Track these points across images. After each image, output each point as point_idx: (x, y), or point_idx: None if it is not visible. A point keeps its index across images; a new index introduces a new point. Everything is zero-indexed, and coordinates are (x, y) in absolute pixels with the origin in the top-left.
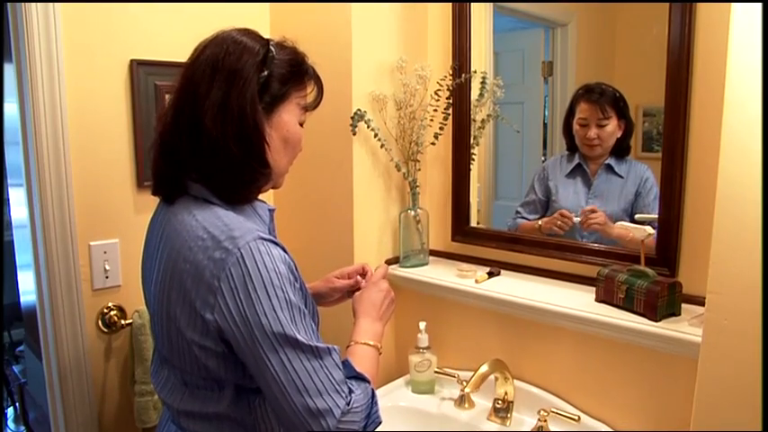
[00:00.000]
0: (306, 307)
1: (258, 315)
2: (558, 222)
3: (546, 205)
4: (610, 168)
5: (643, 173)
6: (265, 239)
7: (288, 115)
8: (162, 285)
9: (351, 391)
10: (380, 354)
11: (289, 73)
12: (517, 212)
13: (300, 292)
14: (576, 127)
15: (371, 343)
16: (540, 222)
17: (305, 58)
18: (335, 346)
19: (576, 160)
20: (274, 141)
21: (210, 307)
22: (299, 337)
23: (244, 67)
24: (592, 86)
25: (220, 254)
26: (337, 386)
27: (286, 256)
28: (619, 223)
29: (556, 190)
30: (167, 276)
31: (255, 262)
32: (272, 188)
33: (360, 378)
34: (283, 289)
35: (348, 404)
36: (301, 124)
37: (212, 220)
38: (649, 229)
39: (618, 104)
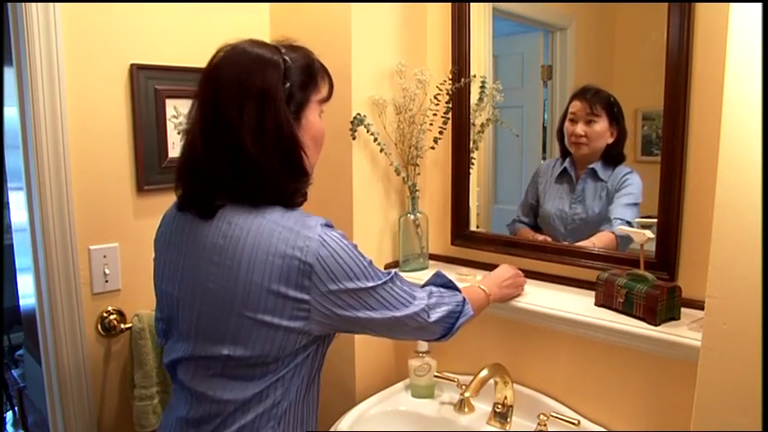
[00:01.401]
0: None
1: (355, 280)
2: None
3: (536, 209)
4: (594, 173)
5: (622, 174)
6: (329, 223)
7: (312, 115)
8: (226, 287)
9: (431, 293)
10: (488, 304)
11: (306, 78)
12: (516, 216)
13: None
14: (566, 125)
15: (484, 288)
16: (530, 237)
17: (314, 57)
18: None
19: (564, 165)
20: (307, 143)
21: (307, 289)
22: (384, 278)
23: (271, 85)
24: (588, 87)
25: (304, 241)
26: (414, 290)
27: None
28: (618, 227)
29: (543, 195)
30: (239, 277)
31: (335, 241)
32: None
33: (448, 286)
34: (360, 254)
35: (429, 295)
36: (319, 115)
37: (278, 217)
38: (649, 233)
39: (611, 108)
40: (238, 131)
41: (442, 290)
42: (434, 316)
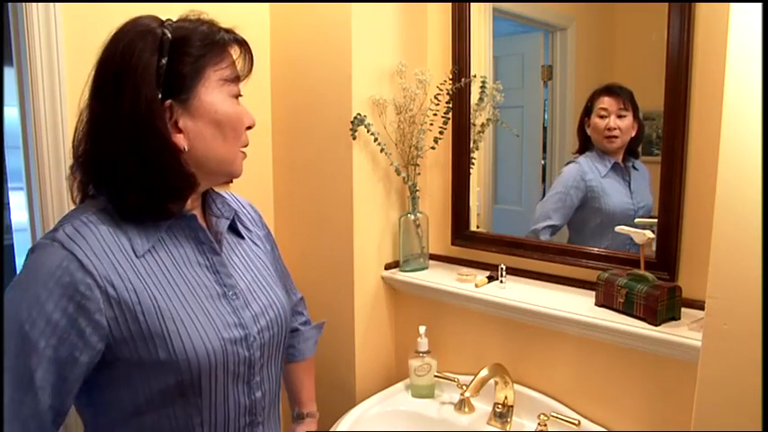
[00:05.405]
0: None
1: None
2: None
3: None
4: (634, 166)
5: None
6: (57, 237)
7: (210, 96)
8: None
9: None
10: None
11: (199, 51)
12: (546, 223)
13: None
14: (595, 120)
15: None
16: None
17: (216, 28)
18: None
19: (612, 159)
20: (203, 131)
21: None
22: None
23: (131, 62)
24: (612, 84)
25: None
26: None
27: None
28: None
29: (602, 191)
30: None
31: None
32: (231, 178)
33: None
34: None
35: None
36: (237, 97)
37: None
38: (649, 234)
39: (634, 103)
40: (94, 122)
41: None
42: None
